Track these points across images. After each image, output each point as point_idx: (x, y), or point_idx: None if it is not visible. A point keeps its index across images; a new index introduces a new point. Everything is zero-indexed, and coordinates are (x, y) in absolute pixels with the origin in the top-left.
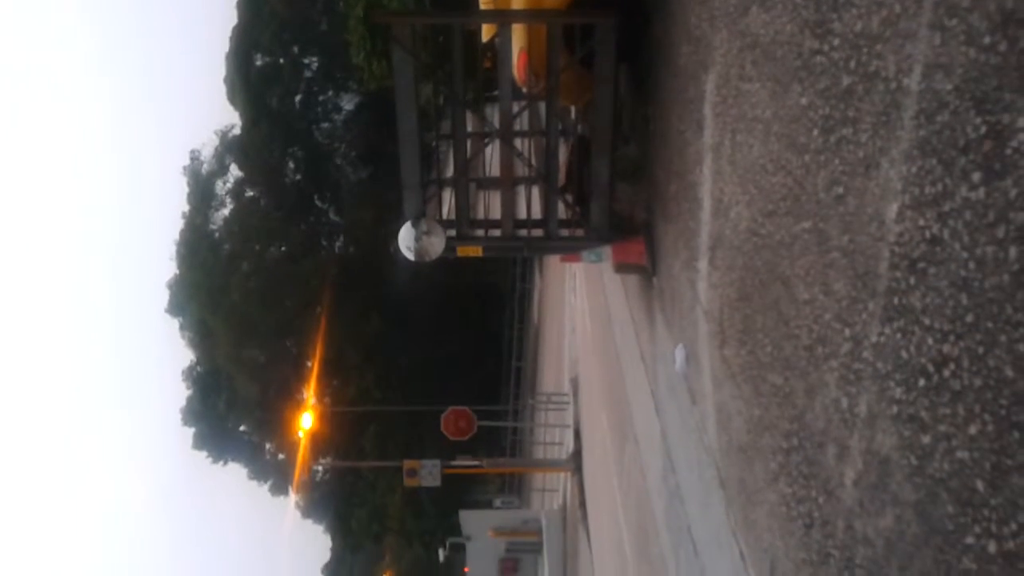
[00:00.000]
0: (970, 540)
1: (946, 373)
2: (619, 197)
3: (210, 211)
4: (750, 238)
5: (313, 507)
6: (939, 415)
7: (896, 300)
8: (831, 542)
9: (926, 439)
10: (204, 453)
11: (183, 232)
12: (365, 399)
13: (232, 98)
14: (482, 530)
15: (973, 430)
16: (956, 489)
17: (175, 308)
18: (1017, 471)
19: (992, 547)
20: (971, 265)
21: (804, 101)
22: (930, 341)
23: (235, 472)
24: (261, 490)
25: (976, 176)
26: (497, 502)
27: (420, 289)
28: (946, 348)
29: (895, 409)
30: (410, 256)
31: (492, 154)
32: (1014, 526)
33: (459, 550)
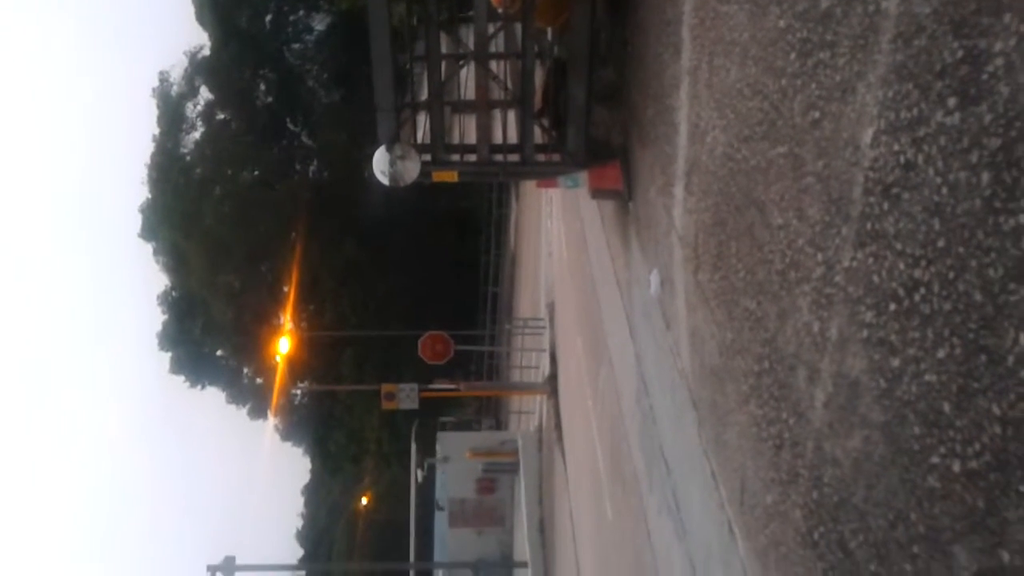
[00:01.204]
0: (935, 460)
1: (916, 297)
2: (596, 121)
3: (181, 134)
4: (726, 163)
5: (292, 430)
6: (908, 339)
7: (869, 225)
8: (800, 462)
9: (895, 362)
10: (182, 378)
11: (154, 155)
12: (341, 324)
13: (200, 17)
14: (460, 451)
15: (941, 354)
16: (923, 411)
17: (148, 232)
18: (983, 394)
19: (956, 466)
20: (944, 190)
21: (782, 24)
22: (901, 266)
23: (213, 396)
24: (240, 414)
25: (952, 101)
26: (474, 424)
27: (395, 214)
28: (917, 273)
29: (865, 333)
30: (385, 181)
31: (467, 77)
32: (978, 446)
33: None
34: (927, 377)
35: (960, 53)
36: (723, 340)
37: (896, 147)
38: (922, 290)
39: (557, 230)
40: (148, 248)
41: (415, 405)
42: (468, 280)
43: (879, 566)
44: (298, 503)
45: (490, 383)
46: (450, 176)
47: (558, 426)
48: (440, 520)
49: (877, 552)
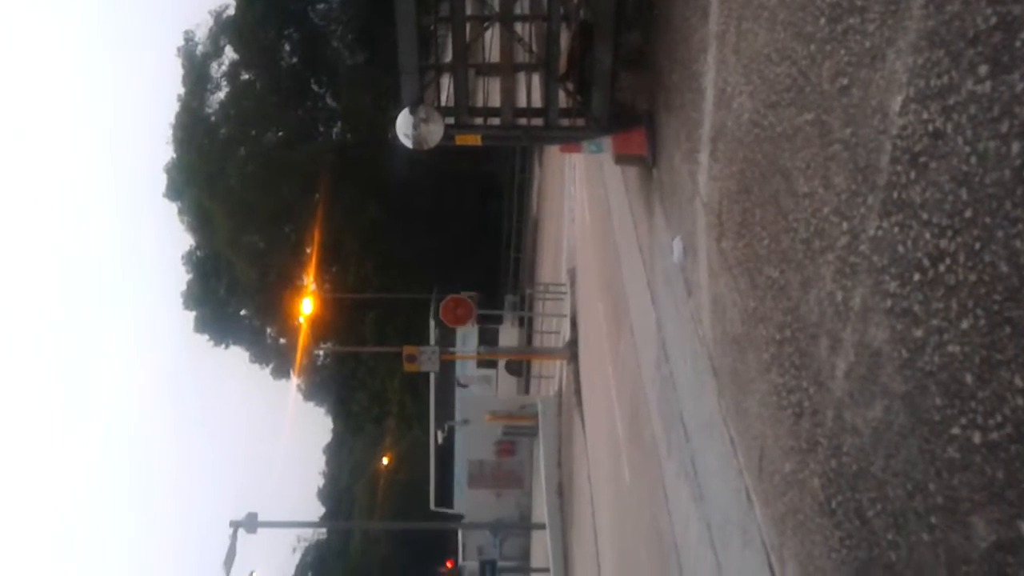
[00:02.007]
0: (956, 431)
1: (941, 268)
2: (621, 86)
3: (205, 94)
4: (752, 129)
5: (314, 390)
6: (932, 309)
7: (895, 194)
8: (820, 431)
9: (918, 332)
10: (206, 336)
11: (179, 115)
12: (364, 286)
13: None
14: (480, 414)
15: (965, 324)
16: (945, 382)
17: (173, 192)
18: (1006, 365)
19: (977, 438)
20: (973, 160)
21: None
22: (927, 236)
23: (237, 355)
24: (263, 373)
25: (983, 69)
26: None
27: (418, 177)
28: (943, 243)
29: (889, 303)
30: (408, 144)
31: (492, 39)
32: (999, 418)
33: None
34: (950, 348)
35: (993, 20)
36: (745, 308)
37: (925, 115)
38: (947, 260)
39: (580, 196)
40: (173, 208)
41: (436, 368)
42: (490, 245)
43: (896, 535)
44: (320, 462)
45: (510, 347)
46: (473, 140)
47: (577, 391)
48: (460, 439)
49: (895, 521)
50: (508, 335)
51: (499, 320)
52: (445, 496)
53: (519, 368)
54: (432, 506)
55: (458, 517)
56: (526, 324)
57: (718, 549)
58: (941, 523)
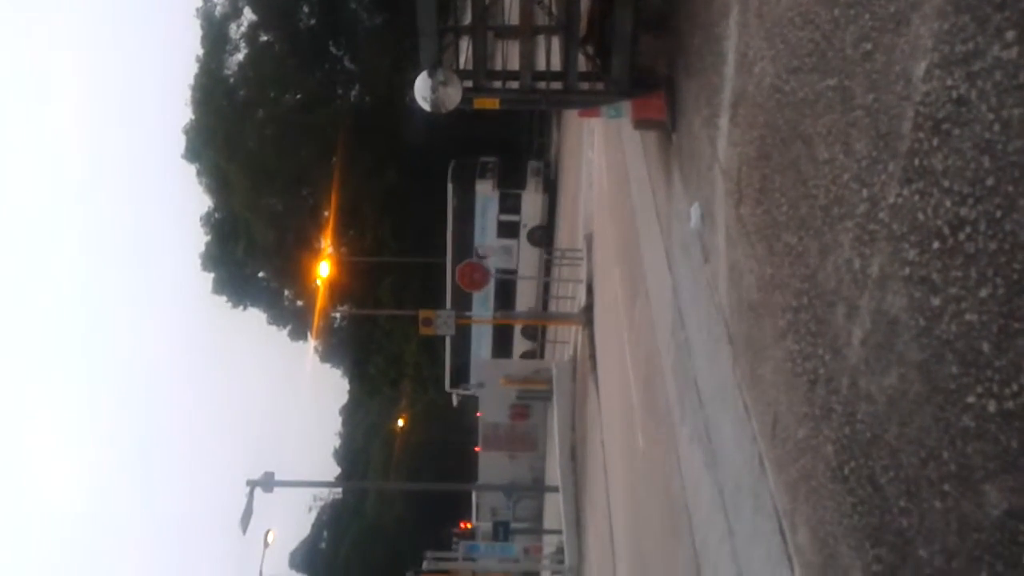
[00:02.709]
0: (971, 399)
1: (961, 236)
2: (641, 50)
3: (224, 56)
4: (773, 95)
5: (331, 352)
6: (951, 277)
7: (917, 161)
8: (834, 398)
9: (936, 301)
10: (224, 298)
11: (197, 76)
12: (381, 250)
13: None
14: (494, 378)
15: (984, 293)
16: (962, 350)
17: (191, 154)
18: (1023, 334)
19: (992, 406)
20: (996, 127)
21: None
22: (948, 203)
23: (255, 317)
24: (280, 335)
25: (1010, 34)
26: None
27: (436, 140)
28: (963, 211)
29: (907, 271)
30: (426, 107)
31: (511, 1)
32: (1015, 387)
33: (472, 396)
34: (968, 316)
35: None
36: (762, 275)
37: (949, 81)
38: (968, 229)
39: (598, 161)
40: (192, 169)
41: (452, 332)
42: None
43: (908, 502)
44: (336, 423)
45: (526, 312)
46: (492, 103)
47: (592, 356)
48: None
49: (907, 489)
50: (532, 201)
51: (522, 185)
52: (461, 373)
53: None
54: (447, 387)
55: (473, 398)
56: (550, 191)
57: (730, 514)
58: (954, 491)
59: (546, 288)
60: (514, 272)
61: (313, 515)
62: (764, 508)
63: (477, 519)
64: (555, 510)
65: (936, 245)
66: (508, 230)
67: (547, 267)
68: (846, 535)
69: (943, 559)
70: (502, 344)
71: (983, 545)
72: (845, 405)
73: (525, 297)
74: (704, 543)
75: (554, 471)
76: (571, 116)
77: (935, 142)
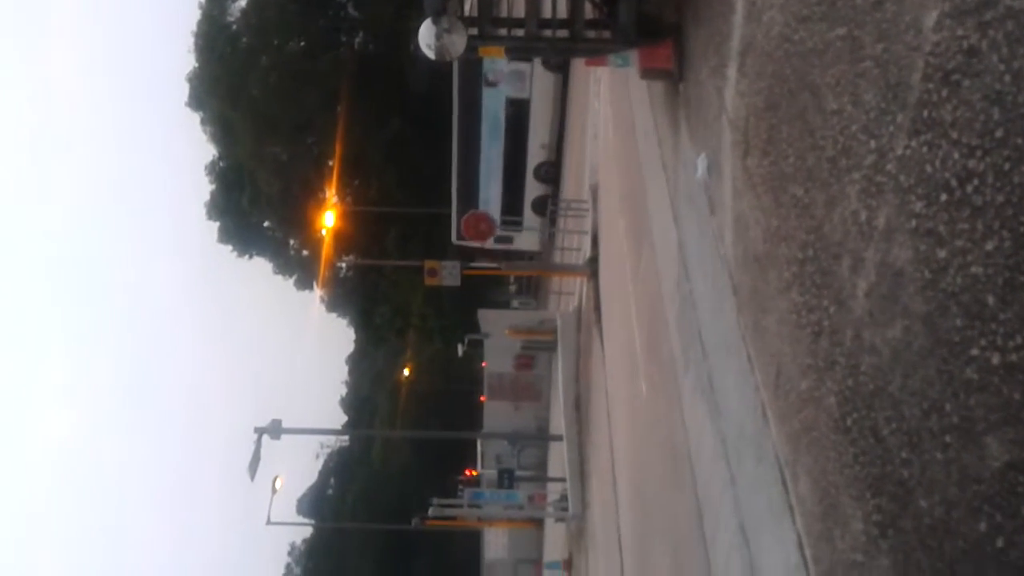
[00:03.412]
0: (975, 352)
1: (969, 188)
2: None
3: (227, 2)
4: (782, 44)
5: (337, 302)
6: (957, 230)
7: (926, 113)
8: (838, 350)
9: (942, 253)
10: (230, 247)
11: (200, 24)
12: (386, 199)
13: None
14: (500, 328)
15: (990, 246)
16: (966, 303)
17: (195, 102)
18: None
19: (995, 359)
20: (1007, 78)
21: None
22: (956, 155)
23: (260, 266)
24: (286, 284)
25: None
26: (515, 303)
27: (441, 89)
28: (972, 163)
29: (914, 223)
30: (430, 55)
31: None
32: (1019, 339)
33: (477, 346)
34: (973, 269)
35: None
36: (768, 227)
37: (960, 31)
38: (975, 181)
39: (604, 111)
40: (196, 117)
41: (457, 282)
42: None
43: (910, 453)
44: (342, 372)
45: (531, 263)
46: (497, 52)
47: (597, 307)
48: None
49: (909, 440)
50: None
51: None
52: (470, 195)
53: (547, 175)
54: (453, 239)
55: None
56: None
57: (732, 463)
58: (955, 442)
59: (551, 239)
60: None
61: (320, 462)
62: (766, 458)
63: (482, 467)
64: (559, 458)
65: (943, 197)
66: (521, 56)
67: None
68: (847, 485)
69: (943, 509)
70: (513, 191)
71: (983, 496)
72: (848, 357)
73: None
74: (706, 492)
75: (558, 420)
76: (577, 64)
77: (944, 93)
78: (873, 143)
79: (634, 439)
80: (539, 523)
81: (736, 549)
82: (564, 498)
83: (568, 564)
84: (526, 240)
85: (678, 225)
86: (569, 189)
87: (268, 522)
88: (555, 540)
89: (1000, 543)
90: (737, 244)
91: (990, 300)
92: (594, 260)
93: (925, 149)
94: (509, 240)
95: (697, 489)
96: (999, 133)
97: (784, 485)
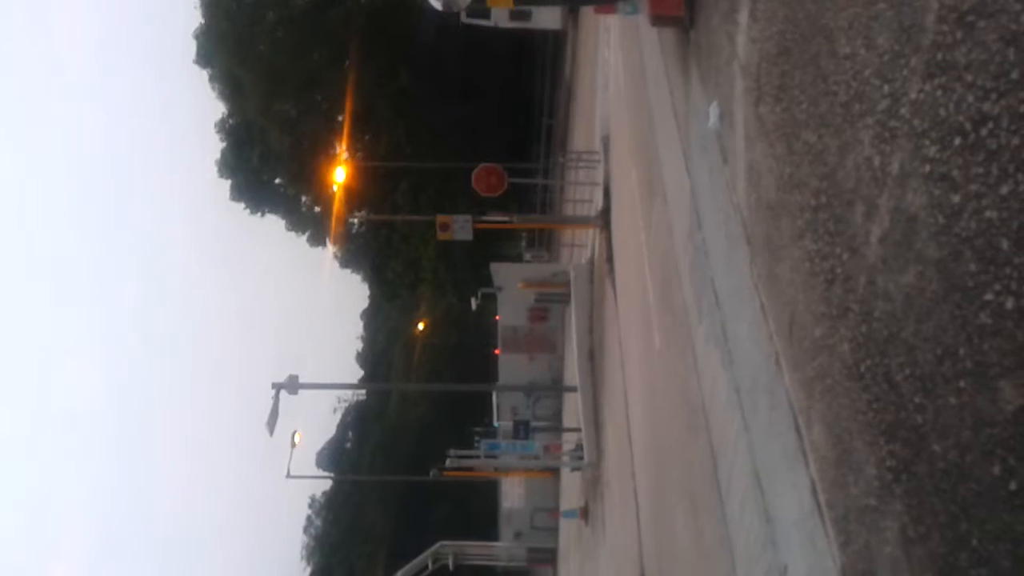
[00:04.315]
0: (989, 297)
1: (983, 132)
2: None
3: None
4: None
5: (350, 258)
6: (971, 174)
7: (940, 55)
8: (851, 297)
9: (956, 198)
10: (242, 205)
11: None
12: (397, 154)
13: None
14: (513, 282)
15: (1005, 190)
16: (980, 248)
17: (203, 59)
18: None
19: (1010, 303)
20: (1023, 18)
21: None
22: (970, 99)
23: (273, 224)
24: (299, 241)
25: None
26: (527, 256)
27: (449, 42)
28: (986, 106)
29: (928, 168)
30: (438, 6)
31: None
32: None
33: (491, 300)
34: (987, 213)
35: None
36: (781, 174)
37: None
38: (990, 124)
39: (614, 60)
40: (204, 75)
41: (469, 236)
42: (523, 111)
43: (924, 398)
44: (358, 327)
45: (543, 216)
46: (505, 2)
47: (610, 259)
48: None
49: (923, 385)
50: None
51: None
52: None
53: None
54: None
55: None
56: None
57: (746, 411)
58: (969, 387)
59: (562, 191)
60: None
61: (338, 416)
62: (780, 405)
63: (498, 419)
64: (574, 409)
65: (958, 141)
66: None
67: None
68: (861, 431)
69: (956, 453)
70: None
71: (996, 440)
72: (862, 304)
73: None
74: (721, 439)
75: (572, 371)
76: (587, 12)
77: (959, 35)
78: (886, 87)
79: (648, 388)
80: (555, 472)
81: (750, 495)
82: (579, 447)
83: (584, 511)
84: (547, 17)
85: (690, 174)
86: (580, 140)
87: (288, 475)
88: (571, 489)
89: (1013, 486)
90: (750, 192)
91: (1004, 244)
92: (606, 212)
93: (939, 92)
94: (527, 16)
95: (711, 437)
96: (1014, 75)
97: (798, 432)
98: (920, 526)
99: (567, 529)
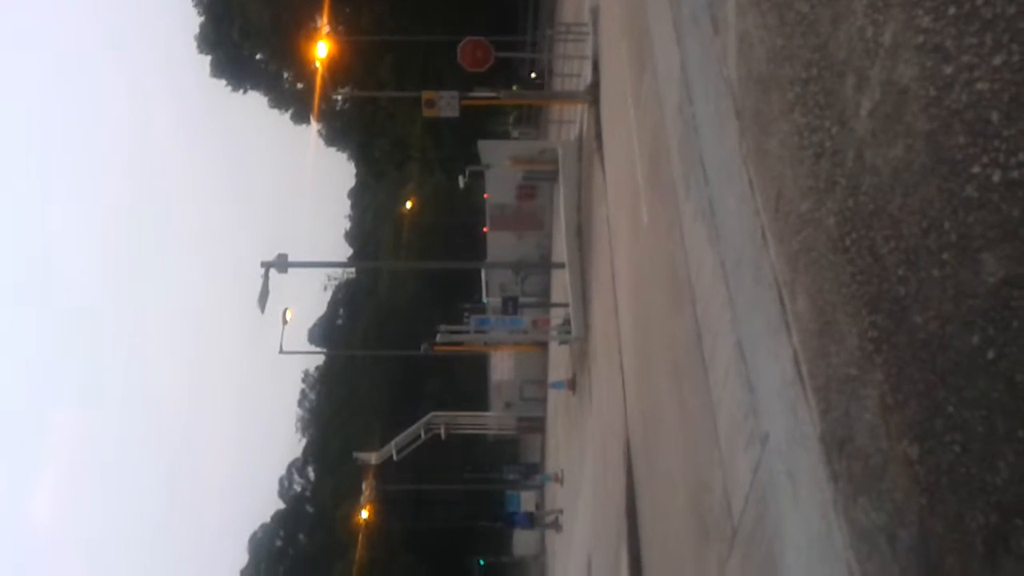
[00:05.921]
0: (976, 169)
1: (979, 0)
2: None
3: None
4: None
5: (335, 135)
6: (965, 45)
7: None
8: (839, 171)
9: (948, 69)
10: (223, 82)
11: None
12: (380, 28)
13: None
14: (501, 159)
15: (998, 60)
16: (970, 120)
17: None
18: None
19: (996, 176)
20: None
21: None
22: None
23: (256, 101)
24: (283, 119)
25: None
26: (515, 133)
27: None
28: None
29: (920, 38)
30: None
31: None
32: (1022, 156)
33: (479, 177)
34: (979, 85)
35: None
36: (772, 46)
37: None
38: None
39: None
40: None
41: (455, 113)
42: None
43: (907, 271)
44: (345, 206)
45: (531, 92)
46: None
47: (598, 135)
48: None
49: (907, 258)
50: None
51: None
52: None
53: None
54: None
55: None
56: None
57: (731, 285)
58: (952, 259)
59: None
60: None
61: (328, 294)
62: (764, 279)
63: (487, 295)
64: (562, 285)
65: (952, 11)
66: None
67: None
68: (844, 303)
69: (937, 324)
70: None
71: (977, 310)
72: (849, 177)
73: None
74: (705, 312)
75: (561, 248)
76: None
77: None
78: None
79: (635, 264)
80: (543, 346)
81: (734, 365)
82: (567, 322)
83: (572, 383)
84: None
85: (681, 46)
86: (568, 12)
87: (280, 351)
88: (559, 361)
89: (991, 354)
90: (741, 65)
91: (994, 117)
92: (595, 86)
93: None
94: None
95: (696, 310)
96: None
97: (782, 304)
98: (899, 394)
99: (555, 399)
